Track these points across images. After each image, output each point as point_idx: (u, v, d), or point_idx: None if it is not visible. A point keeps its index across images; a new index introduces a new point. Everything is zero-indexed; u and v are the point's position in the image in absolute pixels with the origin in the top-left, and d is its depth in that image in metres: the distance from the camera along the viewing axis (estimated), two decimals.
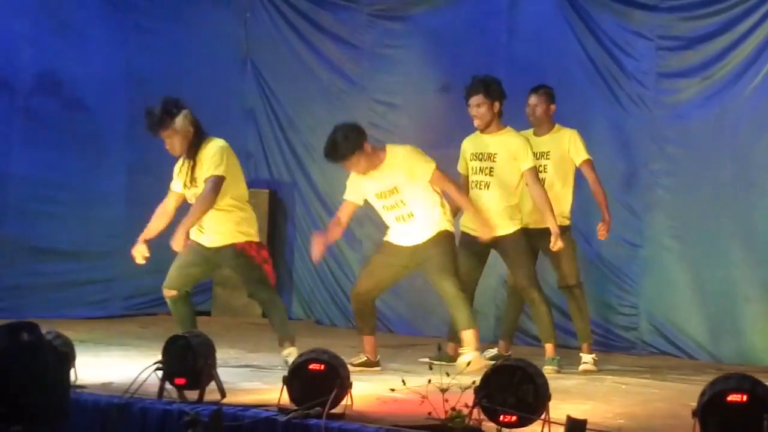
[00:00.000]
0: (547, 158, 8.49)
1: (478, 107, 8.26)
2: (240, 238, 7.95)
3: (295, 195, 11.19)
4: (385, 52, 10.71)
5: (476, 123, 8.33)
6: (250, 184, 11.21)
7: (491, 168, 8.25)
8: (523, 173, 8.22)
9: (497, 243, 8.27)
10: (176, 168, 8.13)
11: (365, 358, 8.05)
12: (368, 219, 9.93)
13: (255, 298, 8.26)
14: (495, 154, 8.25)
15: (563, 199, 8.52)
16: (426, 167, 7.91)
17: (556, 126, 8.62)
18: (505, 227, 8.24)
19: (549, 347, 8.27)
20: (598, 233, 8.60)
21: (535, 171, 8.24)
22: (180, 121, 7.88)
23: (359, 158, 7.89)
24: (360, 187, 8.07)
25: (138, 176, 10.45)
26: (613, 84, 9.63)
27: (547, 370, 7.62)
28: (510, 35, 10.08)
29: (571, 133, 8.56)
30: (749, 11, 9.13)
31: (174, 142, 7.91)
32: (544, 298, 8.31)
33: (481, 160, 8.28)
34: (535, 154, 8.31)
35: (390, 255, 8.08)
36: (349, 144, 7.85)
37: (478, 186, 8.28)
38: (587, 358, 8.40)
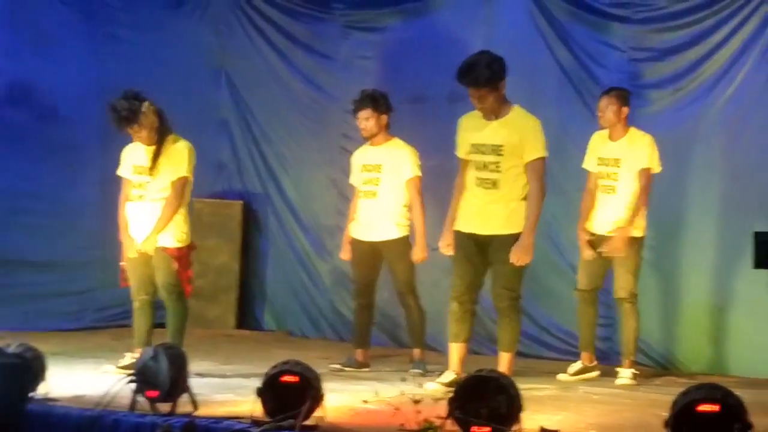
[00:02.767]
0: (618, 165, 8.49)
1: (367, 120, 8.68)
2: (173, 244, 8.09)
3: (268, 206, 11.18)
4: (359, 63, 10.72)
5: (363, 134, 8.76)
6: (224, 195, 11.28)
7: (378, 178, 8.65)
8: (405, 183, 8.58)
9: (383, 247, 8.61)
10: (127, 153, 8.30)
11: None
12: (339, 230, 9.92)
13: (164, 301, 8.21)
14: (381, 164, 8.65)
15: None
16: (539, 148, 7.52)
17: (631, 130, 8.58)
18: (391, 233, 8.57)
19: (416, 352, 8.59)
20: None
21: (418, 181, 8.53)
22: (145, 114, 8.01)
23: (489, 94, 7.47)
24: (466, 138, 7.62)
25: (112, 186, 10.29)
26: (587, 95, 9.65)
27: (414, 374, 8.05)
28: (484, 46, 10.05)
29: (649, 139, 8.55)
30: (721, 23, 9.18)
31: (142, 135, 8.10)
32: (419, 305, 8.67)
33: (369, 170, 8.70)
34: (604, 160, 8.47)
35: (465, 248, 7.61)
36: (489, 73, 7.45)
37: (366, 195, 8.70)
38: (623, 373, 8.41)
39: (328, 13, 10.89)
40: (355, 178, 8.88)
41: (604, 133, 8.61)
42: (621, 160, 8.47)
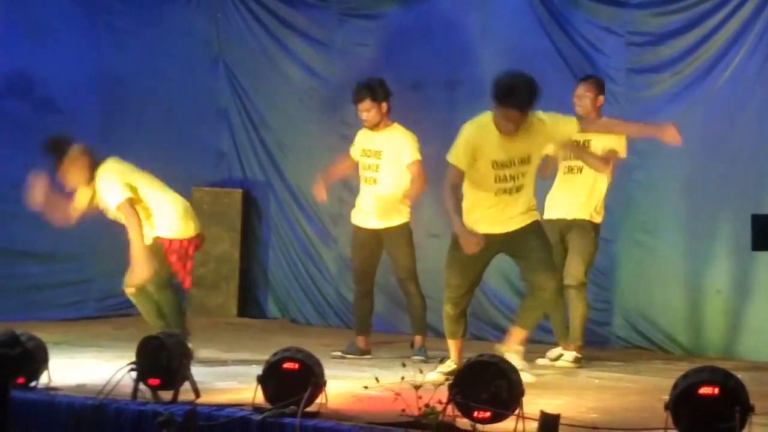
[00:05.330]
0: (588, 147, 8.46)
1: (368, 111, 8.68)
2: (162, 234, 8.07)
3: (269, 194, 11.19)
4: (356, 51, 10.71)
5: (366, 125, 8.77)
6: (224, 184, 11.29)
7: (378, 165, 8.67)
8: (406, 167, 8.57)
9: (384, 234, 8.64)
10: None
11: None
12: (342, 218, 9.94)
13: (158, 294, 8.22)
14: (381, 151, 8.66)
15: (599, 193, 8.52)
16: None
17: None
18: (392, 220, 8.59)
19: (418, 338, 8.64)
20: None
21: (419, 164, 8.52)
22: (68, 158, 8.07)
23: (526, 115, 7.35)
24: (481, 154, 7.46)
25: None
26: None
27: (415, 360, 7.99)
28: (482, 32, 10.11)
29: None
30: (718, 6, 9.19)
31: (68, 179, 8.12)
32: (420, 291, 8.68)
33: (369, 156, 8.73)
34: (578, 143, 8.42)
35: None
36: (532, 98, 7.33)
37: (367, 182, 8.74)
38: (567, 356, 8.40)
39: (325, 0, 10.89)
40: (355, 153, 8.85)
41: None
42: (592, 141, 8.42)
